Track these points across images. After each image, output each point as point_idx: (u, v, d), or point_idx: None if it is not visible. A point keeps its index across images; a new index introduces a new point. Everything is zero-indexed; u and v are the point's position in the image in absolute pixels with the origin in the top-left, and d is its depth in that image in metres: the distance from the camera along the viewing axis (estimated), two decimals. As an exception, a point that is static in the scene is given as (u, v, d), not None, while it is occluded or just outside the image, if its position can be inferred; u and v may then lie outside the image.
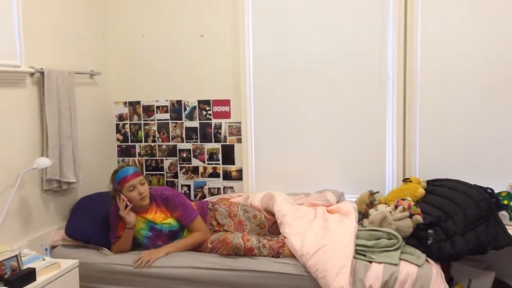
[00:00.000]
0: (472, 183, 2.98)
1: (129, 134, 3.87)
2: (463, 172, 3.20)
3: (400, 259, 2.53)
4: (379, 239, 2.64)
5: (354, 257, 2.55)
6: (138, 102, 3.83)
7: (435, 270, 2.49)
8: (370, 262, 2.54)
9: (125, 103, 3.85)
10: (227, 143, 3.69)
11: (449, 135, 3.28)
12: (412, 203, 2.78)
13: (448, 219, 2.69)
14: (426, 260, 2.56)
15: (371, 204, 3.11)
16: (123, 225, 2.91)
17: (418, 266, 2.48)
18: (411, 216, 2.71)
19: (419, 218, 2.69)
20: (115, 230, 2.96)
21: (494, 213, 2.69)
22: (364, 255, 2.57)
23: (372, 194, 3.15)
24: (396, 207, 2.80)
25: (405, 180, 3.16)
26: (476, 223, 2.64)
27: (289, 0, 3.47)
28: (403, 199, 2.84)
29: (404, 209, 2.74)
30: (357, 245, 2.61)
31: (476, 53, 3.19)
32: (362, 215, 3.03)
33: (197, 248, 2.91)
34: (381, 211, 2.79)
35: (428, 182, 3.18)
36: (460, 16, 3.19)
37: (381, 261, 2.51)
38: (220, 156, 3.71)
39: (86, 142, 3.45)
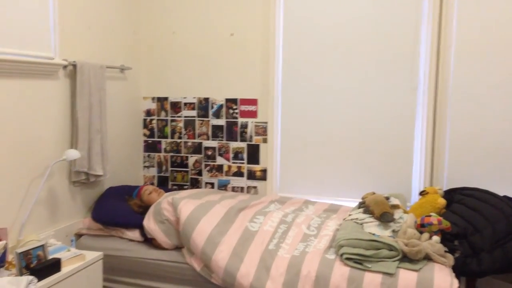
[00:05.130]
0: (502, 193, 2.92)
1: (155, 129, 3.89)
2: (492, 182, 3.15)
3: (398, 267, 2.48)
4: (379, 249, 2.58)
5: (350, 266, 2.51)
6: (166, 98, 3.85)
7: (437, 270, 2.43)
8: (366, 270, 2.49)
9: (153, 98, 3.88)
10: (253, 142, 3.68)
11: (479, 143, 3.22)
12: (441, 218, 2.68)
13: (476, 233, 2.62)
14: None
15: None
16: None
17: (417, 271, 2.44)
18: (441, 230, 2.64)
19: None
20: None
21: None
22: (361, 264, 2.52)
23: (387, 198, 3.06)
24: (421, 225, 2.67)
25: (422, 193, 3.08)
26: (505, 239, 2.57)
27: (321, 1, 3.44)
28: (428, 216, 2.70)
29: (434, 226, 2.64)
30: (354, 254, 2.55)
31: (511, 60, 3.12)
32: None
33: None
34: (418, 242, 2.55)
35: (456, 190, 3.10)
36: (496, 22, 3.12)
37: (377, 270, 2.47)
38: (245, 155, 3.70)
39: (113, 136, 3.49)
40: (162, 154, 3.90)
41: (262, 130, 3.65)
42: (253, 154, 3.69)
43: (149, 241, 2.99)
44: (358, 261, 2.54)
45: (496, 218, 2.64)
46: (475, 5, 3.15)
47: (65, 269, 2.41)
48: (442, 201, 2.94)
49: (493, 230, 2.60)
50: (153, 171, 3.92)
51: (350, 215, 2.96)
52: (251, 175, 3.71)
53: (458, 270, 2.53)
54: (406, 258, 2.54)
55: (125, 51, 3.66)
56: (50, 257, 2.42)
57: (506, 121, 3.16)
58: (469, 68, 3.20)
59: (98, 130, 3.12)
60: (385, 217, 2.81)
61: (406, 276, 2.42)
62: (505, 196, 2.88)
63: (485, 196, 2.85)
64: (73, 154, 2.83)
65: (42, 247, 2.39)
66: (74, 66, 2.99)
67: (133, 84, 3.79)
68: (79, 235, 3.10)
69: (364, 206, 2.98)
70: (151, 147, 3.92)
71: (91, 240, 3.05)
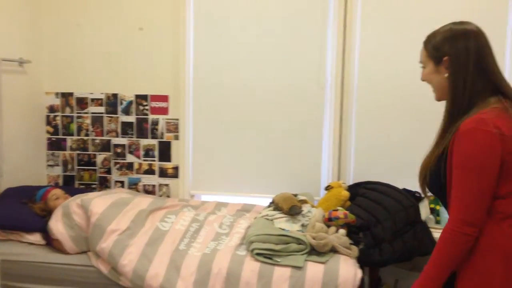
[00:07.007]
0: (403, 187, 3.09)
1: (60, 126, 3.69)
2: (395, 176, 3.31)
3: (306, 260, 2.56)
4: (288, 243, 2.64)
5: (260, 261, 2.55)
6: (71, 94, 3.66)
7: (342, 261, 2.54)
8: (275, 265, 2.54)
9: (57, 94, 3.67)
10: (164, 139, 3.61)
11: (383, 140, 3.37)
12: (347, 211, 2.80)
13: (378, 224, 2.75)
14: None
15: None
16: None
17: (323, 263, 2.53)
18: (347, 224, 2.75)
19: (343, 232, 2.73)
20: None
21: (421, 219, 2.79)
22: (270, 258, 2.57)
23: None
24: (329, 219, 2.78)
25: (327, 188, 3.19)
26: (404, 229, 2.72)
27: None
28: (335, 210, 2.81)
29: (340, 220, 2.74)
30: (264, 249, 2.59)
31: (412, 58, 3.26)
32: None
33: None
34: (325, 235, 2.66)
35: (360, 184, 3.24)
36: (398, 20, 3.27)
37: (286, 264, 2.53)
38: (156, 152, 3.62)
39: (12, 134, 3.27)
40: (67, 152, 3.70)
41: (174, 127, 3.59)
42: (165, 152, 3.61)
43: (50, 244, 2.83)
44: (268, 256, 2.57)
45: (396, 210, 2.79)
46: (378, 7, 3.28)
47: (-46, 279, 2.22)
48: (346, 194, 3.06)
49: (393, 221, 2.74)
50: (58, 170, 3.71)
51: (260, 213, 3.00)
52: (163, 173, 3.63)
53: (362, 261, 2.65)
54: (314, 251, 2.62)
55: (24, 43, 3.43)
56: None
57: (406, 120, 3.32)
58: (373, 67, 3.33)
59: (-7, 128, 2.90)
60: (293, 210, 2.88)
61: (314, 269, 2.49)
62: (404, 189, 3.05)
63: (386, 189, 2.99)
64: (-37, 154, 2.61)
65: None
66: (-36, 58, 2.76)
67: (34, 79, 3.56)
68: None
69: (274, 204, 3.04)
70: (55, 145, 3.71)
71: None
